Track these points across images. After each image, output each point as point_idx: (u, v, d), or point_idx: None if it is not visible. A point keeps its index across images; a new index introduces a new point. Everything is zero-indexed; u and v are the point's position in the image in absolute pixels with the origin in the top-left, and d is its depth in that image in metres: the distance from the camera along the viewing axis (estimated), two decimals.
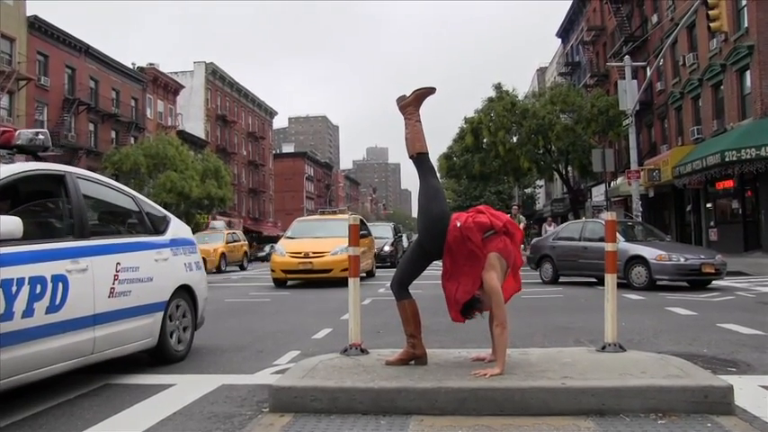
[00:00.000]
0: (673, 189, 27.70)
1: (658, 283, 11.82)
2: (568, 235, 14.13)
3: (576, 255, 13.24)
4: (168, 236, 5.49)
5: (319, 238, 14.71)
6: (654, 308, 8.80)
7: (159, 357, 5.14)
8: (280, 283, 14.35)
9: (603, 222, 13.26)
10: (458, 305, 4.00)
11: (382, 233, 23.29)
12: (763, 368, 4.65)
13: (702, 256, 12.09)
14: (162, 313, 5.07)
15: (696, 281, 11.90)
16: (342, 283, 14.04)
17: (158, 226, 5.48)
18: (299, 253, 14.13)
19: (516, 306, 8.28)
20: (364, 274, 15.39)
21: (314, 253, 14.04)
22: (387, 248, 22.60)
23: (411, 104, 4.29)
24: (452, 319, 4.16)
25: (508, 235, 4.07)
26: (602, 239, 12.48)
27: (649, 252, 11.86)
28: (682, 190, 27.03)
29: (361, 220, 16.45)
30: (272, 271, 14.45)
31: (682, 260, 11.64)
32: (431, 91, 4.34)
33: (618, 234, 12.46)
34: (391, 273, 15.59)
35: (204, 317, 6.04)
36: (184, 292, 5.53)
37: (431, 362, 4.13)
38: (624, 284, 11.88)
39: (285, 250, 14.44)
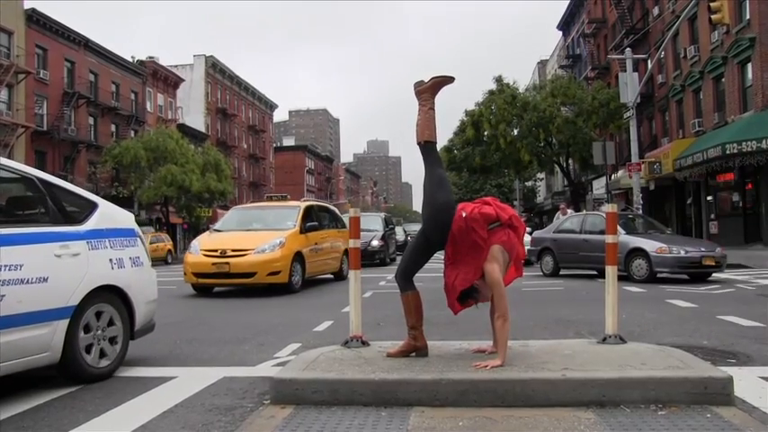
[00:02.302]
0: (673, 182, 27.69)
1: (659, 275, 11.83)
2: (569, 228, 14.12)
3: (577, 247, 13.24)
4: (88, 225, 4.53)
5: (252, 231, 11.64)
6: (654, 300, 8.81)
7: (68, 375, 4.25)
8: (199, 290, 11.19)
9: (604, 215, 13.30)
10: (455, 292, 4.00)
11: (370, 225, 20.10)
12: (762, 360, 4.65)
13: (703, 249, 12.09)
14: (67, 321, 4.12)
15: (696, 273, 11.91)
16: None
17: (74, 214, 4.56)
18: (215, 251, 10.66)
19: (517, 298, 8.29)
20: (331, 276, 13.62)
21: (233, 251, 10.58)
22: (375, 243, 18.91)
23: (427, 91, 4.27)
24: (449, 307, 4.16)
25: (512, 228, 4.08)
26: (602, 232, 12.47)
27: (650, 245, 11.86)
28: (682, 183, 27.02)
29: (325, 207, 14.35)
30: (185, 274, 11.11)
31: (682, 253, 11.63)
32: (448, 80, 4.31)
33: (618, 227, 12.47)
34: (377, 272, 15.32)
35: (154, 322, 5.21)
36: (111, 294, 4.58)
37: (432, 354, 4.14)
38: (625, 277, 11.88)
39: (200, 247, 11.04)
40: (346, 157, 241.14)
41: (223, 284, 11.11)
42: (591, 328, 6.08)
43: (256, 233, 11.38)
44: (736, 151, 20.39)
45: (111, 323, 4.60)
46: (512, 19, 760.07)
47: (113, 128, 41.70)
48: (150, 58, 47.90)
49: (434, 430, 3.08)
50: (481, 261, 3.94)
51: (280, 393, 3.60)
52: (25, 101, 32.94)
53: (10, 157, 31.74)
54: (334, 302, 9.07)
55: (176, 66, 53.69)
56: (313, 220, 12.29)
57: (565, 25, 50.59)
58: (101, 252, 4.55)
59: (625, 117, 23.26)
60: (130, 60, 44.77)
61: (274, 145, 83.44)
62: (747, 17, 22.20)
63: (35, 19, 34.20)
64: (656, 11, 30.72)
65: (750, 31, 21.81)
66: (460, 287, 3.98)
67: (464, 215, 3.97)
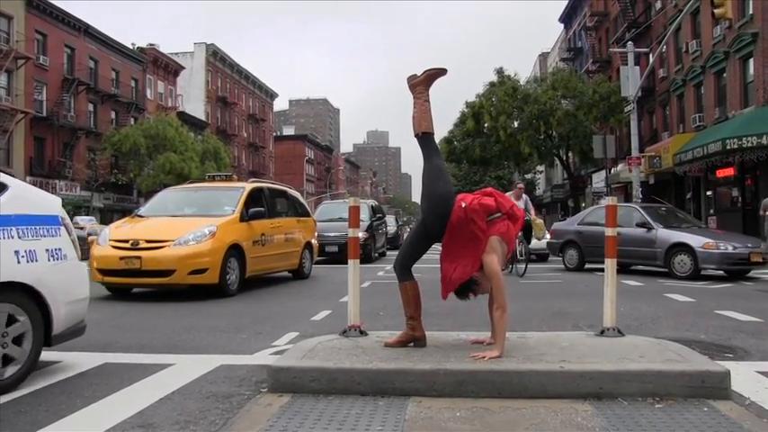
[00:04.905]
0: (673, 176, 27.67)
1: (703, 272, 11.32)
2: (596, 220, 13.14)
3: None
4: None
5: (180, 217, 9.50)
6: (652, 294, 8.82)
7: None
8: (114, 291, 9.06)
9: (637, 207, 13.03)
10: (453, 285, 3.99)
11: None
12: (759, 354, 4.67)
13: (749, 245, 11.43)
14: None
15: (741, 270, 11.37)
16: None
17: None
18: (126, 242, 8.52)
19: (514, 291, 8.29)
20: (289, 274, 11.76)
21: (148, 242, 8.45)
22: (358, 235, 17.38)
23: (421, 84, 4.27)
24: (443, 297, 4.12)
25: (511, 219, 4.07)
26: (637, 225, 12.18)
27: (695, 240, 11.27)
28: (682, 177, 27.01)
29: (281, 191, 11.99)
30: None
31: (730, 249, 11.04)
32: (442, 72, 4.33)
33: (653, 220, 12.17)
34: (369, 264, 14.60)
35: (85, 324, 4.48)
36: (16, 292, 3.82)
37: (430, 344, 4.14)
38: (665, 273, 11.59)
39: (109, 236, 8.90)
40: (346, 147, 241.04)
41: (137, 284, 8.92)
42: (589, 320, 6.08)
43: (183, 220, 9.28)
44: (736, 146, 20.35)
45: (13, 326, 3.82)
46: (513, 11, 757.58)
47: (113, 115, 41.57)
48: (151, 45, 47.70)
49: (432, 420, 3.08)
50: (480, 252, 3.93)
51: (277, 382, 3.60)
52: (25, 86, 32.81)
53: (9, 143, 31.73)
54: (332, 292, 9.08)
55: (177, 53, 53.45)
56: (261, 205, 10.24)
57: (567, 18, 50.38)
58: (2, 243, 3.80)
59: (626, 111, 23.26)
60: (131, 47, 44.58)
61: (274, 134, 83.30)
62: (750, 12, 22.10)
63: (35, 4, 34.00)
64: (658, 5, 30.59)
65: (753, 27, 21.72)
66: (459, 280, 3.97)
67: (463, 206, 3.96)
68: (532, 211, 12.25)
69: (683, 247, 11.37)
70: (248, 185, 10.56)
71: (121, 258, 8.32)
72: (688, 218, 14.12)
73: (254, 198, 10.15)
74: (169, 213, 9.68)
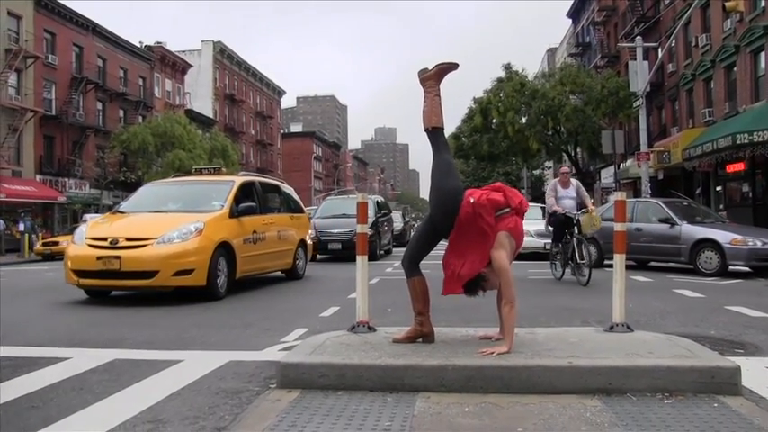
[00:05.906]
0: (682, 172, 27.48)
1: (730, 269, 10.97)
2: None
3: (629, 237, 12.58)
4: None
5: (165, 213, 8.73)
6: (661, 290, 8.79)
7: None
8: (93, 294, 8.45)
9: (659, 202, 12.81)
10: (461, 281, 3.98)
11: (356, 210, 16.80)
12: None
13: None
14: None
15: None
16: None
17: None
18: (104, 240, 7.84)
19: (521, 287, 8.26)
20: (280, 273, 10.96)
21: (128, 240, 7.77)
22: None
23: (432, 78, 4.25)
24: (445, 293, 4.06)
25: (519, 214, 4.06)
26: (660, 221, 11.95)
27: (722, 236, 10.94)
28: (691, 173, 26.81)
29: (273, 185, 11.46)
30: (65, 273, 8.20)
31: (759, 244, 10.70)
32: (453, 66, 4.30)
33: (676, 216, 11.94)
34: (375, 261, 14.52)
35: None
36: None
37: (438, 340, 4.14)
38: (690, 270, 11.34)
39: (86, 234, 8.17)
40: (354, 143, 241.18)
41: (116, 287, 8.26)
42: (597, 316, 6.07)
43: (167, 216, 8.51)
44: (746, 141, 20.15)
45: None
46: (521, 6, 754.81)
47: (121, 113, 41.73)
48: (158, 43, 47.82)
49: (440, 416, 3.09)
50: (488, 248, 3.93)
51: (286, 377, 3.61)
52: (34, 86, 32.98)
53: (19, 141, 31.92)
54: (340, 289, 9.10)
55: (184, 51, 53.60)
56: (252, 200, 9.49)
57: (575, 13, 50.14)
58: None
59: (634, 106, 23.10)
60: (138, 46, 44.73)
61: (282, 131, 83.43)
62: (762, 5, 21.86)
63: (43, 3, 34.15)
64: None
65: (764, 19, 21.50)
66: (467, 276, 3.96)
67: (472, 201, 3.95)
68: (588, 202, 9.64)
69: (709, 243, 11.03)
70: (238, 179, 9.85)
71: (99, 258, 7.61)
72: (710, 213, 13.81)
73: (244, 192, 9.44)
74: (152, 209, 8.92)
